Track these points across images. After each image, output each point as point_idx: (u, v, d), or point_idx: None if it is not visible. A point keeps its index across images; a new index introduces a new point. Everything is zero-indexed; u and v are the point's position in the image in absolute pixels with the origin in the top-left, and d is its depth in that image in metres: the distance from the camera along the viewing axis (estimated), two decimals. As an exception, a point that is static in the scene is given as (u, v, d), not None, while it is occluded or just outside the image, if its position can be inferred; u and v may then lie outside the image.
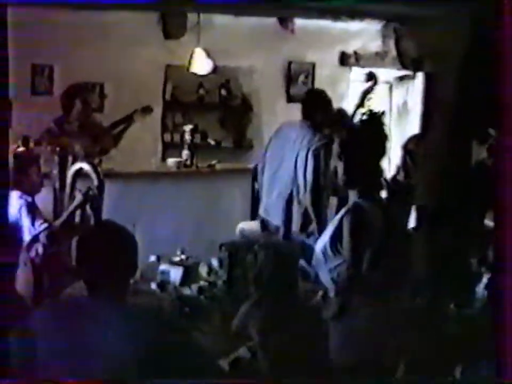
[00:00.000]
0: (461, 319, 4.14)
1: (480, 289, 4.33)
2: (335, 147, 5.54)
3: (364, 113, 4.14)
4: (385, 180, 4.07)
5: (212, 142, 8.73)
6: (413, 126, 8.59)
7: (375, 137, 4.05)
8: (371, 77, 7.52)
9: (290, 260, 4.03)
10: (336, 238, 3.90)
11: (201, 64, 8.77)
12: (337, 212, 7.02)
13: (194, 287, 4.93)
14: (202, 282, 5.04)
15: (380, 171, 4.05)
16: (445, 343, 3.75)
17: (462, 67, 4.46)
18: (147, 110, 7.75)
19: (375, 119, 4.10)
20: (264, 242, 4.35)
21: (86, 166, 5.88)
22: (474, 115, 4.44)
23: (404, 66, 5.72)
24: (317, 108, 6.71)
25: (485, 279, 4.34)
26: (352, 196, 4.01)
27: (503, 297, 3.17)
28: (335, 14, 8.00)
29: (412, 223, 4.18)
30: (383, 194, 4.08)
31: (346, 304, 3.84)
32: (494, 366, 3.17)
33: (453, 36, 4.56)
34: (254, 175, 7.19)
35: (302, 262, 4.60)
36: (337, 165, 4.10)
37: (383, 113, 4.16)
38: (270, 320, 3.80)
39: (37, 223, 5.55)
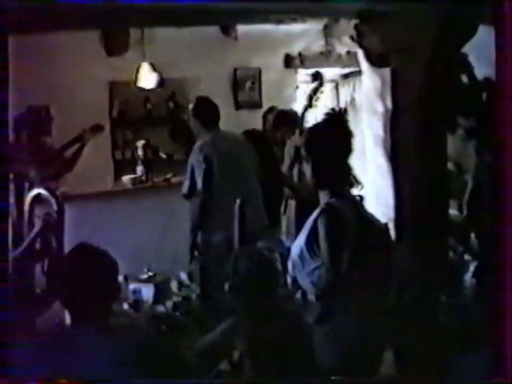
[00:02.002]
0: (453, 309, 4.13)
1: (468, 277, 4.33)
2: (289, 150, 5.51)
3: (326, 112, 4.09)
4: (354, 177, 4.01)
5: (164, 156, 8.65)
6: (364, 124, 8.56)
7: (339, 136, 4.00)
8: (316, 76, 7.52)
9: (269, 266, 3.97)
10: (312, 241, 3.83)
11: (147, 78, 8.72)
12: (296, 214, 7.09)
13: (169, 303, 4.86)
14: (175, 298, 4.97)
15: (348, 169, 4.00)
16: (439, 335, 3.72)
17: (428, 61, 4.46)
18: (97, 128, 7.61)
19: (338, 117, 4.06)
20: (243, 250, 4.28)
21: (43, 191, 5.76)
22: (444, 106, 4.44)
23: (371, 63, 5.71)
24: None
25: (471, 267, 4.34)
26: (323, 197, 3.95)
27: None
28: (282, 16, 7.96)
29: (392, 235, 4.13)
30: (355, 192, 4.02)
31: (328, 307, 3.78)
32: (489, 356, 3.15)
33: (418, 31, 4.55)
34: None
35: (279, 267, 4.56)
36: (305, 167, 4.05)
37: (345, 110, 4.13)
38: (254, 330, 3.73)
39: (-4, 253, 5.41)
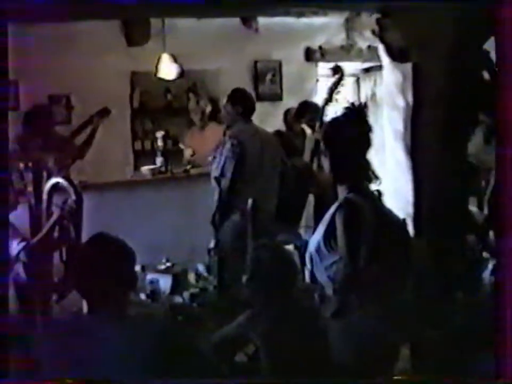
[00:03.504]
0: (470, 306, 4.11)
1: (487, 275, 4.31)
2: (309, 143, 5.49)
3: (346, 107, 4.07)
4: (373, 172, 3.99)
5: (183, 147, 8.66)
6: (384, 118, 8.55)
7: (359, 130, 3.99)
8: (337, 70, 7.49)
9: (287, 260, 3.96)
10: (329, 235, 3.83)
11: (168, 69, 8.72)
12: (315, 208, 7.09)
13: (186, 294, 4.86)
14: (193, 289, 4.97)
15: (367, 164, 3.98)
16: (454, 332, 3.71)
17: (449, 56, 4.44)
18: (103, 112, 7.59)
19: (357, 112, 4.04)
20: (259, 244, 4.27)
21: (62, 181, 5.76)
22: (465, 102, 4.42)
23: (392, 58, 5.68)
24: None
25: (490, 265, 4.32)
26: (342, 191, 3.95)
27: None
28: (303, 9, 7.95)
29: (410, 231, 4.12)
30: (373, 187, 4.01)
31: (345, 302, 3.78)
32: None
33: (440, 26, 4.53)
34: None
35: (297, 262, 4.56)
36: (323, 161, 4.03)
37: (365, 104, 4.10)
38: (271, 323, 3.73)
39: (15, 242, 5.44)
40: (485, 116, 5.11)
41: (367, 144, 4.00)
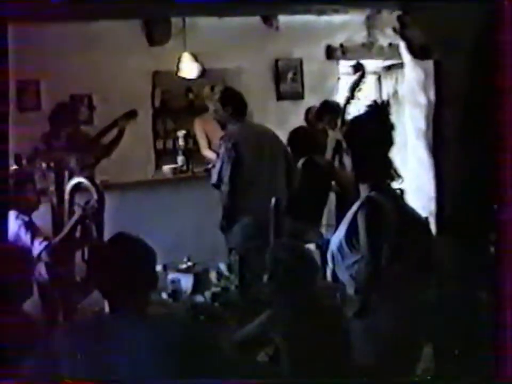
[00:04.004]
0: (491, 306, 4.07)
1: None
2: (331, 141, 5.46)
3: (368, 105, 4.05)
4: (395, 170, 3.97)
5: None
6: (406, 116, 8.51)
7: (381, 128, 3.97)
8: (358, 68, 7.48)
9: (307, 260, 3.94)
10: (351, 234, 3.81)
11: (189, 69, 8.72)
12: (337, 206, 7.07)
13: (208, 294, 4.85)
14: (214, 289, 4.96)
15: (389, 162, 3.96)
16: (475, 332, 3.68)
17: (471, 53, 4.41)
18: (131, 114, 7.64)
19: (380, 110, 4.02)
20: (279, 244, 4.26)
21: (84, 180, 5.78)
22: (486, 100, 4.38)
23: (413, 55, 5.66)
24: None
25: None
26: (364, 190, 3.93)
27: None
28: (324, 7, 7.94)
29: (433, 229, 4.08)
30: (395, 185, 3.98)
31: (367, 301, 3.76)
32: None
33: (462, 23, 4.49)
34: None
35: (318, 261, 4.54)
36: (345, 160, 4.02)
37: (388, 102, 4.08)
38: (292, 323, 3.71)
39: (37, 241, 5.46)
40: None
41: (389, 142, 3.98)
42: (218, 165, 6.32)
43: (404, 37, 5.67)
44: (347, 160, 4.00)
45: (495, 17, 3.42)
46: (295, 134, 7.16)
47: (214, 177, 6.35)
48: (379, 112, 3.99)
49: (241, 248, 5.25)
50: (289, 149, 6.80)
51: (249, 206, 6.17)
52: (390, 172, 3.96)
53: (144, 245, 3.23)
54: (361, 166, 3.93)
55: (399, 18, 5.53)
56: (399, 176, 3.99)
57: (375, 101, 4.08)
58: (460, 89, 4.80)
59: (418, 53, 5.61)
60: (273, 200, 5.28)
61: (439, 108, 5.22)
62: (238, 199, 6.29)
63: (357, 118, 4.20)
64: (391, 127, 3.99)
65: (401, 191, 4.10)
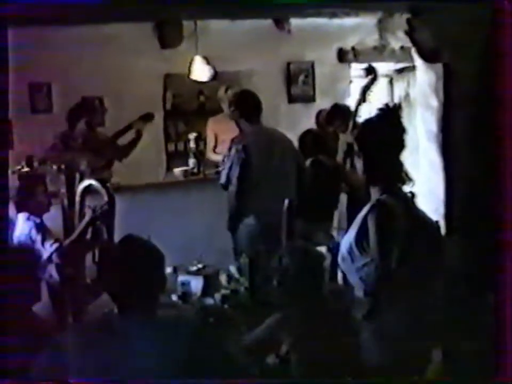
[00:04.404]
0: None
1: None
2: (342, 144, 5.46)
3: (380, 108, 4.04)
4: (406, 174, 3.96)
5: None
6: (418, 119, 8.50)
7: (392, 131, 3.96)
8: (370, 71, 7.45)
9: (317, 262, 3.94)
10: (361, 237, 3.80)
11: (201, 72, 8.73)
12: (348, 210, 7.06)
13: (217, 296, 4.85)
14: (224, 291, 4.96)
15: (400, 165, 3.95)
16: (483, 335, 3.67)
17: (482, 58, 4.39)
18: (148, 117, 7.73)
19: (392, 113, 4.01)
20: (288, 246, 4.26)
21: (94, 183, 5.80)
22: (496, 102, 4.36)
23: (423, 58, 5.65)
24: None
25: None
26: (374, 193, 3.92)
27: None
28: (336, 10, 7.93)
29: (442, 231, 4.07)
30: (406, 189, 3.97)
31: (377, 304, 3.75)
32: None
33: (472, 26, 4.48)
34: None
35: (328, 263, 4.54)
36: (356, 162, 4.01)
37: (399, 105, 4.07)
38: (301, 325, 3.71)
39: (48, 243, 5.48)
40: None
41: (400, 145, 3.97)
42: (227, 166, 6.41)
43: (413, 40, 5.66)
44: (358, 163, 3.98)
45: (495, 17, 3.41)
46: (304, 136, 7.25)
47: (223, 178, 6.46)
48: (391, 115, 3.97)
49: (248, 250, 5.28)
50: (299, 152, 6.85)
51: (256, 208, 6.31)
52: (401, 175, 3.95)
53: (153, 247, 3.24)
54: (372, 169, 3.92)
55: (408, 21, 5.52)
56: (410, 179, 3.98)
57: (386, 104, 4.07)
58: (469, 92, 4.79)
59: (427, 56, 5.59)
60: (286, 201, 5.31)
61: (448, 110, 5.21)
62: (244, 200, 6.38)
63: (368, 121, 4.18)
64: (402, 130, 3.98)
65: (412, 194, 4.09)
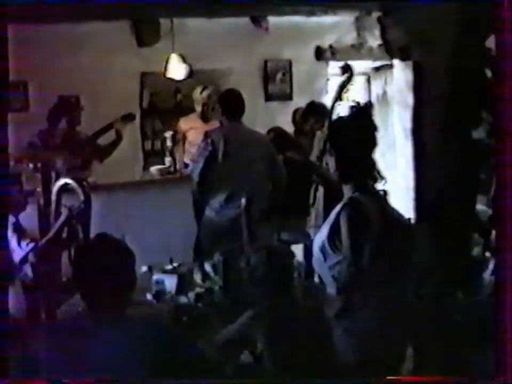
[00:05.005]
0: (470, 307, 4.09)
1: (487, 275, 4.28)
2: (318, 142, 5.48)
3: (351, 106, 4.07)
4: (378, 172, 3.98)
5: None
6: (395, 116, 8.53)
7: (365, 129, 3.98)
8: (346, 69, 7.47)
9: (284, 261, 3.95)
10: (334, 235, 3.81)
11: (177, 70, 8.72)
12: (325, 207, 7.08)
13: (191, 294, 4.85)
14: (198, 289, 4.95)
15: (372, 163, 3.97)
16: (454, 332, 3.69)
17: (450, 54, 4.43)
18: (129, 117, 7.71)
19: (363, 110, 4.03)
20: (256, 246, 4.27)
21: (70, 181, 5.77)
22: (467, 100, 4.40)
23: (392, 56, 5.67)
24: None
25: (491, 265, 4.30)
26: (347, 191, 3.94)
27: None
28: (313, 8, 7.94)
29: (412, 218, 4.09)
30: (379, 186, 3.99)
31: (349, 302, 3.77)
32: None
33: (441, 24, 4.52)
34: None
35: (302, 261, 4.55)
36: (328, 160, 4.02)
37: (371, 104, 4.09)
38: (273, 324, 3.71)
39: (24, 243, 5.44)
40: (488, 114, 5.09)
41: (372, 143, 3.99)
42: (195, 158, 6.62)
43: (383, 38, 5.68)
44: (331, 161, 4.00)
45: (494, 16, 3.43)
46: (267, 134, 7.33)
47: (190, 169, 6.75)
48: (362, 114, 4.00)
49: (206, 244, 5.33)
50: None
51: (217, 203, 6.50)
52: (373, 173, 3.97)
53: (124, 246, 3.24)
54: (344, 167, 3.93)
55: (379, 19, 5.54)
56: (382, 177, 4.00)
57: (358, 102, 4.11)
58: (441, 90, 4.82)
59: (397, 53, 5.61)
60: (243, 200, 5.37)
61: (419, 108, 5.24)
62: (206, 194, 6.58)
63: (340, 119, 4.21)
64: (374, 128, 4.00)
65: (385, 192, 4.11)
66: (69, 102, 7.67)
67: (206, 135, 6.62)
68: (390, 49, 5.72)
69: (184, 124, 8.40)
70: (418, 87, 5.08)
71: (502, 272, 3.17)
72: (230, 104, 6.75)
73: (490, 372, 3.23)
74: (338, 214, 3.85)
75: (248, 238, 5.12)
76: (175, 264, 5.42)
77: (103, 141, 7.78)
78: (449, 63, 4.47)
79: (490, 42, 4.52)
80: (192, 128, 8.20)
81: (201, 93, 8.20)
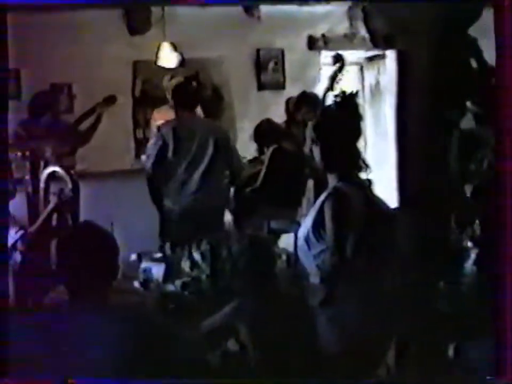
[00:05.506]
0: (452, 296, 4.10)
1: (469, 265, 4.30)
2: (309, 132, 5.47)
3: (336, 95, 4.07)
4: (363, 161, 3.99)
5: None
6: (387, 106, 8.54)
7: (349, 118, 3.98)
8: (338, 59, 7.49)
9: (266, 251, 3.96)
10: (318, 224, 3.82)
11: (168, 58, 8.69)
12: (316, 197, 7.11)
13: (178, 283, 4.86)
14: (185, 278, 4.96)
15: (357, 152, 3.98)
16: (437, 322, 3.71)
17: (433, 43, 4.43)
18: (110, 99, 7.68)
19: (348, 100, 4.03)
20: (238, 235, 4.29)
21: (58, 169, 5.78)
22: (450, 90, 4.40)
23: (375, 45, 5.67)
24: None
25: (473, 255, 4.32)
26: (332, 180, 3.94)
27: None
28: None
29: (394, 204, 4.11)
30: (363, 176, 4.00)
31: (332, 290, 3.78)
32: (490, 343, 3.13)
33: (423, 13, 4.52)
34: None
35: (288, 250, 4.57)
36: (314, 149, 4.02)
37: (356, 93, 4.08)
38: (256, 314, 3.72)
39: (13, 231, 5.45)
40: (472, 104, 5.09)
41: (357, 133, 4.00)
42: (148, 152, 6.81)
43: (367, 27, 5.67)
44: (316, 151, 4.01)
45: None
46: (259, 126, 7.36)
47: (143, 163, 6.94)
48: (347, 103, 4.00)
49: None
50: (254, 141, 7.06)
51: (172, 193, 6.73)
52: (358, 162, 3.98)
53: (106, 234, 3.25)
54: (329, 156, 3.94)
55: (363, 8, 5.53)
56: (367, 166, 4.01)
57: (344, 92, 4.09)
58: (424, 79, 4.82)
59: (381, 43, 5.61)
60: (232, 190, 5.46)
61: (403, 97, 5.24)
62: (161, 186, 6.78)
63: (325, 109, 4.23)
64: (359, 117, 4.01)
65: (370, 181, 4.11)
66: (51, 91, 7.66)
67: (158, 129, 6.87)
68: (375, 38, 5.71)
69: (157, 115, 8.43)
70: (403, 76, 5.08)
71: (502, 272, 3.18)
72: (181, 96, 6.88)
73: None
74: (322, 203, 3.86)
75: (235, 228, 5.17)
76: (163, 253, 5.44)
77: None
78: (432, 52, 4.47)
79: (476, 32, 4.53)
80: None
81: (170, 81, 8.25)
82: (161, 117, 8.29)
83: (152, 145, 6.75)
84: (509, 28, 3.37)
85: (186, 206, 6.59)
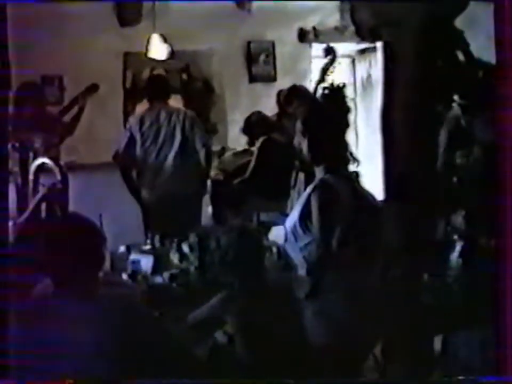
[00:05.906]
0: (436, 289, 4.12)
1: (454, 257, 4.32)
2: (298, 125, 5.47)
3: (324, 88, 4.07)
4: (351, 153, 4.00)
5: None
6: (379, 99, 8.55)
7: (337, 111, 3.99)
8: (329, 51, 7.48)
9: (254, 242, 3.95)
10: (305, 216, 3.84)
11: (158, 50, 8.66)
12: (306, 189, 7.12)
13: (166, 275, 4.86)
14: (174, 270, 4.97)
15: (345, 145, 3.99)
16: (422, 314, 3.72)
17: (418, 34, 4.44)
18: (92, 88, 7.62)
19: (336, 92, 4.04)
20: (226, 227, 4.29)
21: (47, 161, 5.76)
22: (437, 83, 4.41)
23: (362, 38, 5.68)
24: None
25: (458, 247, 4.33)
26: (319, 172, 3.95)
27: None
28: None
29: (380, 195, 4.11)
30: (351, 168, 4.00)
31: (318, 283, 3.79)
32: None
33: (406, 4, 4.52)
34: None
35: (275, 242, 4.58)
36: (301, 142, 4.03)
37: (344, 85, 4.09)
38: (244, 306, 3.72)
39: (1, 222, 5.44)
40: (459, 97, 5.10)
41: (344, 125, 4.01)
42: (119, 145, 6.97)
43: (353, 19, 5.67)
44: (303, 143, 4.01)
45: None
46: (249, 118, 7.40)
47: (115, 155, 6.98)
48: (334, 95, 4.01)
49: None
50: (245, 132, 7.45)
51: (146, 183, 6.90)
52: (345, 155, 3.99)
53: (92, 226, 3.24)
54: (316, 148, 3.95)
55: (350, 0, 5.53)
56: (355, 159, 4.02)
57: (331, 84, 4.10)
58: (410, 71, 4.82)
59: (366, 35, 5.61)
60: (209, 182, 5.52)
61: (388, 90, 5.23)
62: (135, 176, 6.99)
63: (313, 101, 4.23)
64: (346, 110, 4.02)
65: (357, 174, 4.11)
66: (35, 83, 7.63)
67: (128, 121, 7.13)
68: (360, 30, 5.71)
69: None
70: (389, 69, 5.07)
71: (503, 272, 3.19)
72: (151, 89, 7.12)
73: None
74: (309, 196, 3.87)
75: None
76: (152, 245, 5.44)
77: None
78: (418, 44, 4.47)
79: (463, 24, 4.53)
80: None
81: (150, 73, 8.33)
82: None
83: (122, 138, 6.96)
84: (509, 28, 3.38)
85: (161, 194, 6.73)
